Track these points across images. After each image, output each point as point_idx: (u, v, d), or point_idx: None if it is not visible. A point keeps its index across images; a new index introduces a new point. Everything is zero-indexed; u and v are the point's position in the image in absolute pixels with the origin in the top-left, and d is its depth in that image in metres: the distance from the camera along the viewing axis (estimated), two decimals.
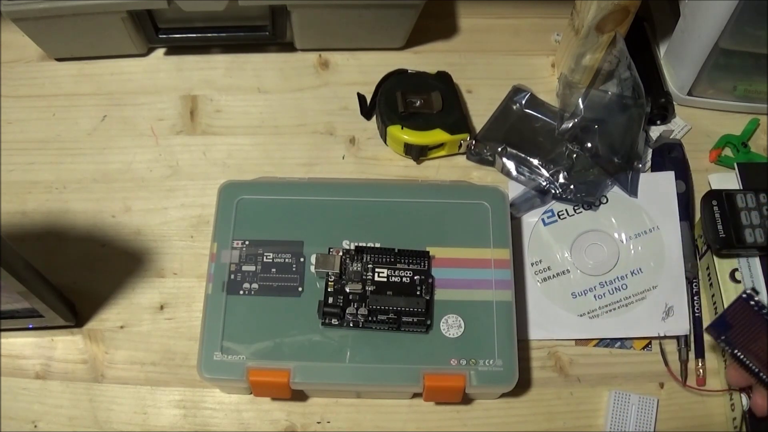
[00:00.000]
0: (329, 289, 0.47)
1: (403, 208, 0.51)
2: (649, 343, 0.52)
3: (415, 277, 0.47)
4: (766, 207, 0.52)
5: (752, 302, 0.43)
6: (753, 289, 0.45)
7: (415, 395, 0.49)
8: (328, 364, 0.46)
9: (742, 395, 0.47)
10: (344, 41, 0.61)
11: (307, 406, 0.49)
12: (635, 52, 0.55)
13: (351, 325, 0.46)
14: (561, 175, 0.55)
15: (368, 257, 0.48)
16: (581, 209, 0.55)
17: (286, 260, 0.49)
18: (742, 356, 0.44)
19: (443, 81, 0.58)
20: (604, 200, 0.55)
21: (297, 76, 0.61)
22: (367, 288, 0.47)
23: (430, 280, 0.47)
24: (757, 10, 0.49)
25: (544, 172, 0.55)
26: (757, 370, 0.43)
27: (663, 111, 0.59)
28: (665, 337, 0.51)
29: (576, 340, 0.52)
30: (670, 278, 0.53)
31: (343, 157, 0.58)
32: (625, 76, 0.55)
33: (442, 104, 0.56)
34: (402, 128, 0.55)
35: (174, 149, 0.58)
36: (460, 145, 0.57)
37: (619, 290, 0.52)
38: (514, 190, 0.56)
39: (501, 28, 0.64)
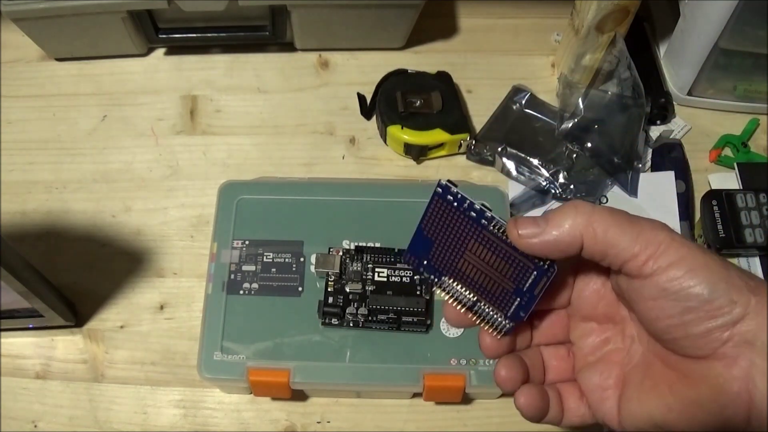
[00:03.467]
0: (329, 289, 0.47)
1: (403, 208, 0.51)
2: None
3: (415, 277, 0.47)
4: (766, 207, 0.52)
5: (449, 197, 0.32)
6: (449, 180, 0.32)
7: (415, 395, 0.49)
8: (328, 364, 0.46)
9: None
10: (344, 41, 0.61)
11: (307, 406, 0.49)
12: (635, 52, 0.55)
13: (351, 325, 0.46)
14: (561, 175, 0.55)
15: (368, 257, 0.48)
16: None
17: (286, 260, 0.49)
18: (453, 283, 0.34)
19: (443, 81, 0.58)
20: (604, 200, 0.55)
21: (297, 76, 0.61)
22: (367, 288, 0.47)
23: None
24: (757, 10, 0.49)
25: (544, 172, 0.55)
26: (474, 298, 0.34)
27: (663, 111, 0.59)
28: None
29: None
30: None
31: (343, 157, 0.58)
32: (625, 76, 0.55)
33: (442, 104, 0.56)
34: (402, 128, 0.55)
35: (174, 149, 0.58)
36: (460, 145, 0.57)
37: None
38: (514, 190, 0.56)
39: (501, 28, 0.64)
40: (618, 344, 0.35)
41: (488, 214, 0.32)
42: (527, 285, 0.33)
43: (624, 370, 0.35)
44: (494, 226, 0.32)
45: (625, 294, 0.32)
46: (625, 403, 0.33)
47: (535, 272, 0.32)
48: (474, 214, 0.32)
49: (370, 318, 0.46)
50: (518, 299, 0.33)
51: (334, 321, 0.46)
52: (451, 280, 0.34)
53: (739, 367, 0.28)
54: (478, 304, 0.34)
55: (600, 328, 0.36)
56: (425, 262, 0.34)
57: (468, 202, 0.32)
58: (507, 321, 0.34)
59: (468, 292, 0.34)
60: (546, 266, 0.32)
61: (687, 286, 0.29)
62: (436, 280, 0.35)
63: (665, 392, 0.32)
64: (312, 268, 0.48)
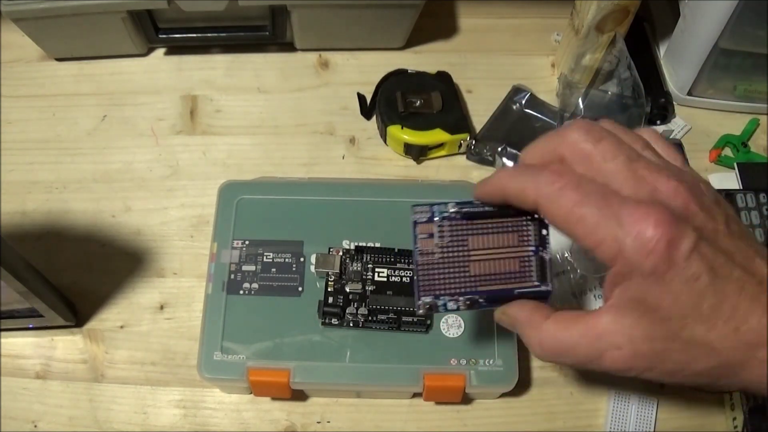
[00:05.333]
0: (329, 289, 0.47)
1: (403, 208, 0.50)
2: None
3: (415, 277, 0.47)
4: (766, 207, 0.52)
5: (436, 218, 0.35)
6: (415, 205, 0.35)
7: (415, 395, 0.49)
8: (328, 363, 0.46)
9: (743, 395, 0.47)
10: (344, 41, 0.61)
11: (307, 405, 0.49)
12: (635, 52, 0.55)
13: (351, 325, 0.46)
14: None
15: (368, 257, 0.48)
16: None
17: (286, 260, 0.49)
18: (477, 299, 0.34)
19: (443, 81, 0.58)
20: None
21: (297, 76, 0.61)
22: (367, 288, 0.47)
23: None
24: (757, 10, 0.49)
25: None
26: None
27: (663, 111, 0.59)
28: None
29: None
30: None
31: (343, 157, 0.58)
32: (625, 76, 0.55)
33: (442, 104, 0.56)
34: (402, 128, 0.55)
35: (174, 149, 0.58)
36: (460, 145, 0.57)
37: None
38: None
39: (501, 28, 0.64)
40: None
41: (453, 207, 0.34)
42: (532, 244, 0.34)
43: None
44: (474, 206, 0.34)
45: None
46: None
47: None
48: (454, 211, 0.34)
49: (370, 318, 0.46)
50: (532, 261, 0.34)
51: (334, 321, 0.46)
52: (475, 298, 0.34)
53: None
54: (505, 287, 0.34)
55: None
56: (439, 294, 0.34)
57: (438, 209, 0.35)
58: (539, 285, 0.35)
59: (482, 284, 0.34)
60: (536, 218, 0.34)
61: None
62: (456, 302, 0.34)
63: None
64: (312, 268, 0.48)
